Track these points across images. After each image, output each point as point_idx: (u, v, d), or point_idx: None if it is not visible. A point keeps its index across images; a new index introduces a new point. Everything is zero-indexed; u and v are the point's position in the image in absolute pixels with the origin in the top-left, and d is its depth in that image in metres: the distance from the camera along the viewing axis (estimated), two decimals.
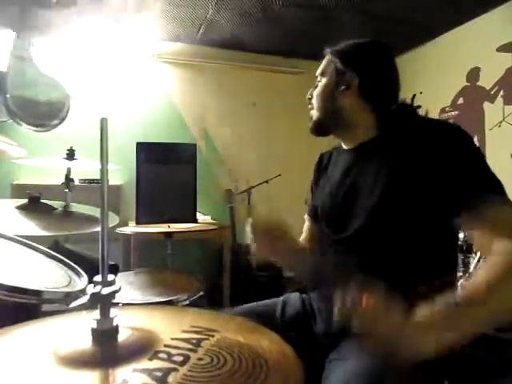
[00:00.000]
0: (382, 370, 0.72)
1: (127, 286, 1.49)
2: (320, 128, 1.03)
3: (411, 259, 0.86)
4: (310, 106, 1.04)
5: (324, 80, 1.00)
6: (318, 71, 1.02)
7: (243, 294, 3.03)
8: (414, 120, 0.95)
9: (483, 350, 1.23)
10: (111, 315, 0.47)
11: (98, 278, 0.48)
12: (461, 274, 1.57)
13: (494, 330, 1.36)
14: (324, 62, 1.02)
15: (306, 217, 1.21)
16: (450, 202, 0.79)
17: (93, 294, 0.47)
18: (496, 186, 0.78)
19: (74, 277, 0.96)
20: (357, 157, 0.98)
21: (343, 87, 0.96)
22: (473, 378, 1.04)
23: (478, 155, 0.82)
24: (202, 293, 1.45)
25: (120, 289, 0.49)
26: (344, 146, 1.05)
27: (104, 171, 0.49)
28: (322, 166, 1.15)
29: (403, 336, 0.61)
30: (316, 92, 1.02)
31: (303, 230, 1.22)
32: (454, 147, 0.81)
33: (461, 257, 1.67)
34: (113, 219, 1.35)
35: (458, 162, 0.80)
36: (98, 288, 0.47)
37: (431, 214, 0.83)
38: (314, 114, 1.02)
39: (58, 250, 1.13)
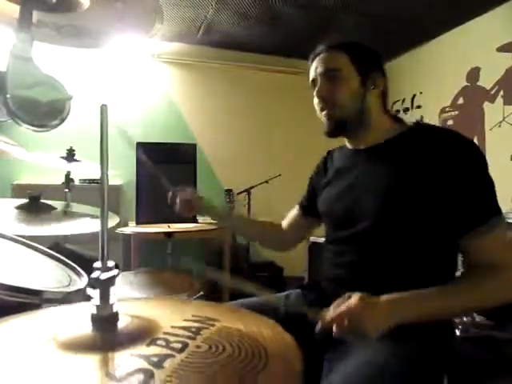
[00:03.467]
0: (381, 369, 0.72)
1: (127, 286, 1.49)
2: (342, 127, 0.95)
3: (411, 261, 0.86)
4: (321, 106, 0.95)
5: (343, 76, 0.92)
6: (330, 65, 0.93)
7: (243, 294, 3.02)
8: (426, 126, 0.94)
9: (483, 349, 1.23)
10: (111, 301, 0.47)
11: (97, 264, 0.48)
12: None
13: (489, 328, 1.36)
14: (334, 55, 0.93)
15: (296, 206, 1.23)
16: (450, 219, 0.82)
17: (92, 279, 0.47)
18: (495, 210, 0.81)
19: (74, 277, 0.96)
20: (368, 158, 0.96)
21: (372, 86, 0.94)
22: (473, 378, 1.04)
23: (485, 176, 0.82)
24: (201, 293, 1.45)
25: (119, 273, 0.49)
26: (349, 146, 1.04)
27: (104, 166, 0.48)
28: (327, 163, 1.13)
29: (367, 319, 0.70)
30: (339, 89, 0.92)
31: (288, 216, 1.25)
32: (464, 165, 0.81)
33: (461, 258, 1.66)
34: (113, 219, 1.35)
35: (465, 182, 0.81)
36: (97, 273, 0.47)
37: (432, 223, 0.84)
38: (337, 112, 0.93)
39: (58, 250, 1.13)
